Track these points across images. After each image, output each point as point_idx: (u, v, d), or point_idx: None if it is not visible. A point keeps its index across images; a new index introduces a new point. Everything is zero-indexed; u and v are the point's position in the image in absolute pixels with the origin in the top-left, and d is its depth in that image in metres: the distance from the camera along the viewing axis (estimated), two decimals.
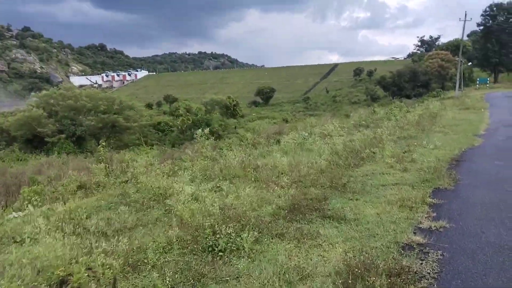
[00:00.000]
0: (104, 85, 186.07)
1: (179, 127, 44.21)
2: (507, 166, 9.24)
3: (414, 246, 4.80)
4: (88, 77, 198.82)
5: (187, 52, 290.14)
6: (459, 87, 45.84)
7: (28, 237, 4.20)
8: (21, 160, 34.22)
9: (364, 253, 4.52)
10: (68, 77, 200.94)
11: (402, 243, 4.89)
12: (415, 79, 52.42)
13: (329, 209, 6.34)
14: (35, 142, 39.59)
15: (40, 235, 4.29)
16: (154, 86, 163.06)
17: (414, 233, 5.23)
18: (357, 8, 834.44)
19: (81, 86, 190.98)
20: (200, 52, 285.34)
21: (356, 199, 6.94)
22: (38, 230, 4.45)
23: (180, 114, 43.47)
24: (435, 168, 8.64)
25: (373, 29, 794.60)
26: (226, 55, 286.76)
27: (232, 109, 46.15)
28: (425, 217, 5.81)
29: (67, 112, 39.19)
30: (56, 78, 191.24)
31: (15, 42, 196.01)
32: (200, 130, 11.29)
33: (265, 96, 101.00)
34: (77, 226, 5.03)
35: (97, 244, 4.04)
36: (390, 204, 6.47)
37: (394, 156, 10.23)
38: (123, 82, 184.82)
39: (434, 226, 5.44)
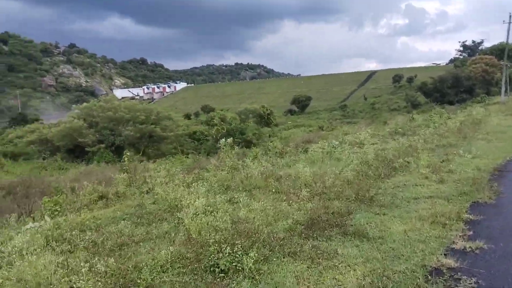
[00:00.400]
0: (145, 97, 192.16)
1: (214, 136, 44.53)
2: None
3: (444, 270, 4.17)
4: (130, 89, 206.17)
5: (224, 64, 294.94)
6: (505, 92, 43.18)
7: (14, 254, 3.99)
8: (62, 169, 35.65)
9: (384, 277, 3.97)
10: (111, 89, 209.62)
11: (430, 266, 4.27)
12: (458, 84, 49.98)
13: (352, 225, 5.78)
14: (77, 152, 41.19)
15: (26, 251, 4.08)
16: (192, 97, 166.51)
17: (445, 254, 4.57)
18: (395, 15, 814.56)
19: (123, 98, 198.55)
20: (236, 63, 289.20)
21: (384, 214, 6.31)
22: (26, 246, 4.24)
23: (215, 123, 43.77)
24: (475, 179, 7.82)
25: (412, 35, 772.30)
26: (262, 66, 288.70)
27: (266, 118, 45.90)
28: (460, 236, 5.12)
29: (107, 123, 40.55)
30: (100, 91, 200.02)
31: (62, 58, 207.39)
32: (223, 139, 10.98)
33: (301, 104, 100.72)
34: (72, 241, 4.82)
35: (88, 263, 3.76)
36: (420, 220, 5.80)
37: (430, 166, 9.44)
38: (163, 94, 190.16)
39: (470, 247, 4.75)
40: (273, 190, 7.84)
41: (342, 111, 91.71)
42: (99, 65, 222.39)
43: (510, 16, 40.59)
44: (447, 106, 46.03)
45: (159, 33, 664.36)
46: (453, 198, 6.79)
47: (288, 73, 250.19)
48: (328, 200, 7.16)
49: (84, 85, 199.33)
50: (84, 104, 42.83)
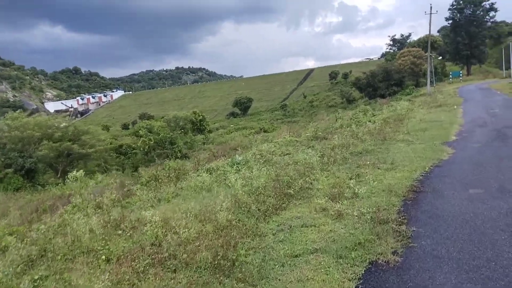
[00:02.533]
0: (80, 108, 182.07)
1: (141, 148, 41.06)
2: (489, 197, 6.44)
3: None
4: (64, 101, 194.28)
5: (165, 69, 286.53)
6: (431, 83, 43.80)
7: None
8: None
9: None
10: (42, 103, 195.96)
11: None
12: (388, 78, 50.33)
13: None
14: None
15: None
16: (131, 105, 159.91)
17: None
18: (329, 13, 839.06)
19: (57, 111, 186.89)
20: (177, 68, 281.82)
21: None
22: None
23: (140, 135, 40.29)
24: (380, 211, 5.80)
25: (346, 32, 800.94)
26: (204, 69, 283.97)
27: (198, 124, 43.18)
28: None
29: (15, 143, 35.68)
30: (30, 105, 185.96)
31: None
32: (74, 172, 8.24)
33: (243, 106, 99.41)
34: None
35: None
36: None
37: (336, 186, 7.41)
38: (99, 104, 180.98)
39: None
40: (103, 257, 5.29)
41: (283, 111, 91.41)
42: (28, 77, 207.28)
43: (431, 7, 41.11)
44: (379, 99, 45.96)
45: (94, 40, 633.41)
46: (345, 255, 4.63)
47: (231, 75, 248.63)
48: (168, 271, 4.73)
49: (11, 100, 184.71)
50: None
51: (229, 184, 8.39)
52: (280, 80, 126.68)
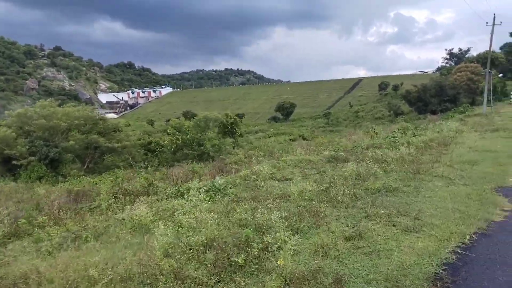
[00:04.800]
0: (130, 102, 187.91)
1: (167, 147, 39.76)
2: None
3: None
4: (115, 93, 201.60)
5: (214, 69, 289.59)
6: (488, 102, 38.66)
7: None
8: None
9: None
10: (96, 93, 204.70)
11: None
12: (442, 93, 45.65)
13: None
14: (10, 165, 36.09)
15: None
16: (178, 102, 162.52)
17: None
18: (384, 23, 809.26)
19: (108, 102, 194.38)
20: (226, 69, 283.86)
21: None
22: None
23: (168, 133, 38.95)
24: None
25: (401, 43, 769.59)
26: (252, 72, 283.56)
27: (229, 127, 41.16)
28: None
29: (42, 132, 35.48)
30: (84, 95, 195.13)
31: (46, 61, 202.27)
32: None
33: (285, 111, 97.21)
34: None
35: None
36: None
37: (316, 253, 4.68)
38: (148, 99, 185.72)
39: None
40: None
41: (326, 119, 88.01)
42: (84, 68, 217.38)
43: (494, 17, 36.20)
44: (430, 115, 41.66)
45: (149, 37, 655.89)
46: None
47: (279, 79, 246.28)
48: None
49: (67, 88, 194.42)
50: (18, 110, 37.71)
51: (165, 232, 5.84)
52: (327, 88, 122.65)
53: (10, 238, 6.40)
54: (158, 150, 42.78)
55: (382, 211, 6.46)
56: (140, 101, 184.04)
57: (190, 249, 4.79)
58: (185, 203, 6.71)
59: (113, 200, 8.82)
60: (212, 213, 6.11)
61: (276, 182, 9.66)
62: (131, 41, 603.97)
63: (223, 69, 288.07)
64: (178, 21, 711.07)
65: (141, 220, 6.15)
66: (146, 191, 9.35)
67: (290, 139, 61.28)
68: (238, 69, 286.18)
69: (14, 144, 33.44)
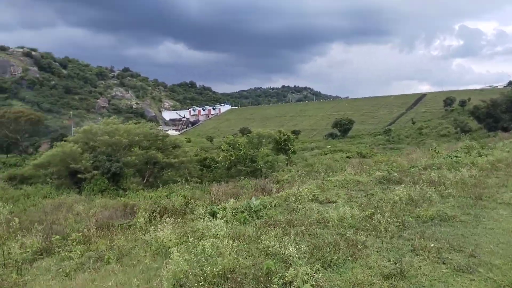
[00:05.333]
0: (191, 119, 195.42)
1: (222, 163, 40.22)
2: None
3: None
4: (178, 111, 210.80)
5: (271, 87, 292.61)
6: None
7: None
8: (46, 197, 33.02)
9: None
10: (160, 112, 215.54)
11: None
12: None
13: None
14: (76, 178, 38.56)
15: None
16: (235, 119, 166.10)
17: None
18: (448, 36, 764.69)
19: (171, 119, 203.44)
20: (283, 86, 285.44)
21: None
22: None
23: (222, 149, 39.43)
24: None
25: (468, 57, 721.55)
26: (309, 88, 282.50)
27: (283, 143, 40.78)
28: None
29: (106, 147, 37.57)
30: (150, 112, 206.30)
31: (115, 81, 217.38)
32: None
33: (342, 128, 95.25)
34: None
35: None
36: None
37: None
38: (208, 116, 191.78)
39: None
40: None
41: (387, 136, 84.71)
42: (150, 88, 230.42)
43: None
44: (501, 133, 38.24)
45: (210, 57, 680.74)
46: None
47: (336, 96, 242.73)
48: None
49: (134, 106, 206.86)
50: (84, 127, 40.29)
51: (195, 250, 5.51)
52: (387, 103, 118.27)
53: (42, 254, 6.46)
54: (213, 166, 43.45)
55: (432, 245, 5.61)
56: (201, 118, 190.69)
57: (205, 279, 4.38)
58: (214, 225, 6.35)
59: (150, 218, 8.73)
60: (236, 239, 5.69)
61: (317, 204, 9.02)
62: (193, 61, 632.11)
63: (280, 86, 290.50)
64: (237, 41, 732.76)
65: (164, 242, 5.88)
66: (183, 210, 9.17)
67: (347, 157, 59.38)
68: (295, 86, 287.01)
69: (80, 158, 35.67)
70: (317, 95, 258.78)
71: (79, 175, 35.74)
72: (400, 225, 6.93)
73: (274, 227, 7.02)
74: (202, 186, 35.19)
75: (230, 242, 5.03)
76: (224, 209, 8.46)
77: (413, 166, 14.99)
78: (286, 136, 40.68)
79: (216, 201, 10.17)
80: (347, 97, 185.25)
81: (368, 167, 16.92)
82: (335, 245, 5.83)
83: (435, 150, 18.14)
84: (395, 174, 12.33)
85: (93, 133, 37.89)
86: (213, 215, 8.18)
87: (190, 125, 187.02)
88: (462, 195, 8.80)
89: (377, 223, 7.00)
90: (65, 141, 42.03)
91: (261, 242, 5.90)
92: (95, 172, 36.05)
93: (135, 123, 42.61)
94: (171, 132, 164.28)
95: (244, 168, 38.15)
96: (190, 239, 5.90)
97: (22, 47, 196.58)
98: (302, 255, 5.18)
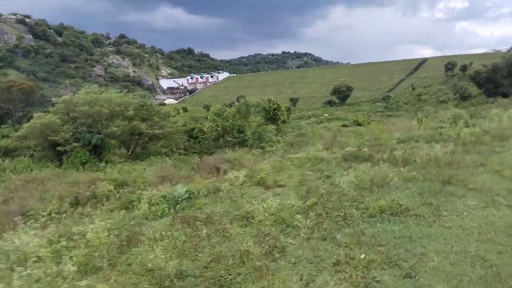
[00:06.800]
0: (189, 87, 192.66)
1: (208, 134, 38.92)
2: None
3: None
4: (175, 79, 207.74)
5: (271, 53, 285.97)
6: None
7: None
8: (26, 171, 32.03)
9: None
10: (158, 80, 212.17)
11: None
12: None
13: None
14: (57, 151, 37.39)
15: None
16: (234, 87, 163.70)
17: None
18: None
19: (169, 88, 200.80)
20: (283, 52, 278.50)
21: None
22: None
23: (208, 119, 38.00)
24: None
25: (472, 19, 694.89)
26: (310, 54, 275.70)
27: (272, 113, 39.23)
28: None
29: (86, 118, 36.08)
30: (147, 81, 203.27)
31: (112, 49, 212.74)
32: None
33: (341, 95, 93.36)
34: None
35: None
36: None
37: None
38: (206, 84, 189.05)
39: None
40: None
41: (385, 103, 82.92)
42: (147, 55, 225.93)
43: None
44: (500, 99, 36.53)
45: (209, 22, 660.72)
46: None
47: (337, 61, 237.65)
48: None
49: (131, 75, 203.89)
50: (63, 97, 38.60)
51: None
52: (388, 69, 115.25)
53: None
54: (200, 137, 42.12)
55: (363, 255, 4.27)
56: (199, 86, 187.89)
57: None
58: (92, 228, 5.01)
59: (68, 209, 7.45)
60: (115, 249, 4.37)
61: (261, 190, 7.68)
62: (191, 27, 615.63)
63: (280, 53, 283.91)
64: (237, 5, 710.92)
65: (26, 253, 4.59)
66: (103, 199, 7.87)
67: (343, 125, 57.91)
68: (295, 52, 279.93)
69: (59, 130, 34.27)
70: (318, 61, 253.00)
71: (58, 148, 34.55)
72: (341, 221, 5.59)
73: (189, 224, 5.70)
74: (186, 158, 34.06)
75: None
76: (141, 199, 7.12)
77: (391, 139, 13.57)
78: (275, 105, 39.04)
79: (149, 185, 8.86)
80: (348, 63, 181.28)
81: (347, 139, 15.54)
82: (241, 255, 4.50)
83: (421, 120, 16.63)
84: (366, 149, 10.93)
85: (73, 103, 36.24)
86: (126, 208, 6.86)
87: (188, 94, 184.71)
88: (429, 177, 7.39)
89: (313, 218, 5.67)
90: (45, 111, 40.58)
91: (151, 251, 4.58)
92: (75, 144, 34.77)
93: (128, 93, 40.89)
94: (170, 100, 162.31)
95: (231, 139, 36.85)
96: (60, 247, 4.58)
97: (15, 14, 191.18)
98: (196, 270, 3.90)
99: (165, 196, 6.99)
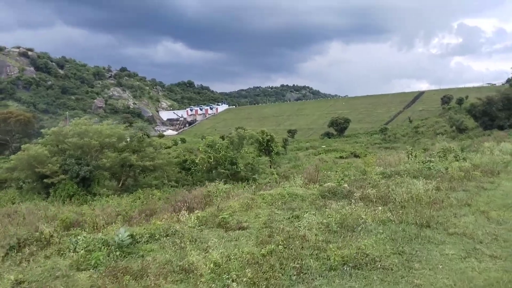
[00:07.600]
0: (189, 119, 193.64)
1: (200, 165, 38.12)
2: None
3: None
4: (175, 111, 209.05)
5: (270, 86, 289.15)
6: None
7: None
8: (13, 203, 31.11)
9: None
10: (158, 111, 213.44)
11: None
12: (510, 106, 39.42)
13: None
14: (45, 183, 36.49)
15: None
16: (233, 119, 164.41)
17: None
18: (447, 34, 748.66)
19: (169, 119, 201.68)
20: (282, 85, 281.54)
21: None
22: None
23: (200, 151, 37.30)
24: None
25: (467, 55, 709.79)
26: (308, 87, 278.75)
27: (265, 144, 38.61)
28: None
29: (75, 150, 35.39)
30: (147, 112, 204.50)
31: (113, 81, 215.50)
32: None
33: (339, 127, 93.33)
34: None
35: None
36: None
37: None
38: (205, 116, 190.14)
39: None
40: None
41: (383, 135, 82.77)
42: (147, 88, 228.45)
43: None
44: (496, 131, 36.03)
45: (209, 56, 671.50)
46: None
47: (335, 94, 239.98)
48: None
49: (132, 107, 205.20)
50: (52, 128, 38.05)
51: None
52: (385, 102, 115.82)
53: None
54: (192, 169, 41.30)
55: None
56: (198, 118, 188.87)
57: None
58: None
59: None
60: None
61: (220, 232, 6.83)
62: (191, 61, 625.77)
63: (279, 86, 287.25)
64: (235, 40, 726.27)
65: None
66: (47, 241, 7.02)
67: (340, 156, 57.32)
68: (294, 85, 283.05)
69: (47, 162, 33.51)
70: (316, 94, 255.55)
71: (45, 180, 33.69)
72: (295, 275, 4.74)
73: (116, 279, 4.83)
74: (174, 191, 33.10)
75: None
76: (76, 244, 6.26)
77: (379, 173, 12.79)
78: (269, 136, 38.46)
79: (104, 225, 7.98)
80: (346, 96, 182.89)
81: (331, 172, 14.73)
82: None
83: (411, 153, 15.89)
84: (346, 185, 10.13)
85: (63, 135, 35.69)
86: (63, 253, 5.99)
87: (187, 125, 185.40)
88: (406, 219, 6.55)
89: (266, 269, 4.82)
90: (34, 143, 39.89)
91: None
92: (63, 176, 33.94)
93: (127, 124, 40.46)
94: (169, 132, 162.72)
95: (223, 170, 36.04)
96: None
97: (18, 47, 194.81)
98: None
99: (106, 240, 6.14)
